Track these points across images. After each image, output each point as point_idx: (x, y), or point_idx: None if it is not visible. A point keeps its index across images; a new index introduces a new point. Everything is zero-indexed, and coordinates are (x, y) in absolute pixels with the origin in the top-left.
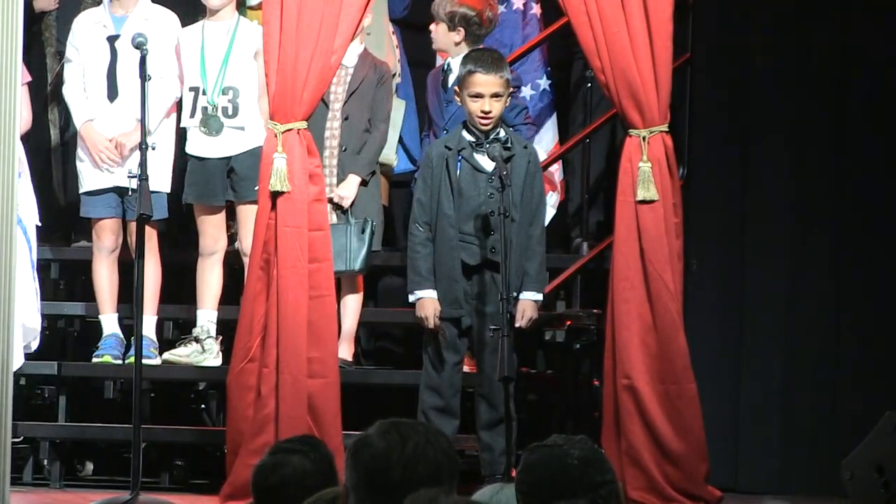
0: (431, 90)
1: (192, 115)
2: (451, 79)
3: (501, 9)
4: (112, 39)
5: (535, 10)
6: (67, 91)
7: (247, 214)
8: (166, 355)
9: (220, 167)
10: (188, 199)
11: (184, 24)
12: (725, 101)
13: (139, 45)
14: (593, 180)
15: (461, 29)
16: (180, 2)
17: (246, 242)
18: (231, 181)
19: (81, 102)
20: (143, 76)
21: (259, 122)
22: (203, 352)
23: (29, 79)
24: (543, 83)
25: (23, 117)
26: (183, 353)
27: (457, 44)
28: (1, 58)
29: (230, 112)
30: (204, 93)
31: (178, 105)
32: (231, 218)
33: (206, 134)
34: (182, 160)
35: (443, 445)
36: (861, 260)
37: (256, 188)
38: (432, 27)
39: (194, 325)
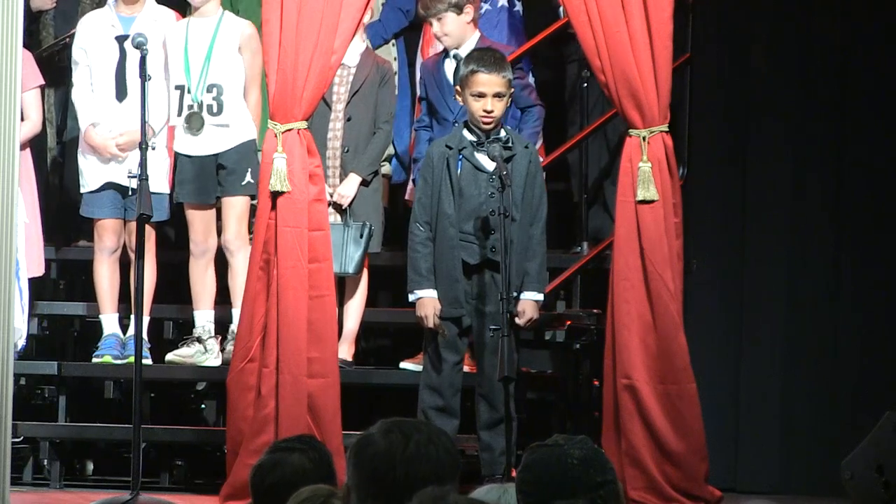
0: (434, 80)
1: (179, 113)
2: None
3: (486, 6)
4: (121, 39)
5: (518, 7)
6: (76, 95)
7: (230, 206)
8: (170, 356)
9: (210, 164)
10: (179, 198)
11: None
12: (725, 101)
13: (139, 46)
14: (592, 181)
15: (470, 7)
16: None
17: (228, 234)
18: (219, 177)
19: (89, 105)
20: (143, 76)
21: (245, 117)
22: (206, 352)
23: (42, 82)
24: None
25: (32, 120)
26: (186, 354)
27: (468, 23)
28: (1, 58)
29: (215, 110)
30: (189, 91)
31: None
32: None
33: (187, 132)
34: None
35: (445, 444)
36: (861, 259)
37: (244, 182)
38: (437, 26)
39: (194, 326)
